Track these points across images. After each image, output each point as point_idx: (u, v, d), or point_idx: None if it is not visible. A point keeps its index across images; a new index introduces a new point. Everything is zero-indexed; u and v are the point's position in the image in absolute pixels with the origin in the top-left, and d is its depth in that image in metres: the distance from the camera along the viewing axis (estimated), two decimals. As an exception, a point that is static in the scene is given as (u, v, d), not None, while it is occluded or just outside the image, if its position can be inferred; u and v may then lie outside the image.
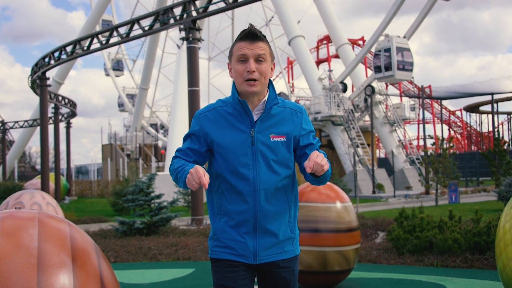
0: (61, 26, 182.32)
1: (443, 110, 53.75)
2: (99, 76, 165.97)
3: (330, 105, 30.50)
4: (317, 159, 2.18)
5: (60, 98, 30.79)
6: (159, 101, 58.67)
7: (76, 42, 20.93)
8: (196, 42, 15.23)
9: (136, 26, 17.80)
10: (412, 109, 35.12)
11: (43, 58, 23.03)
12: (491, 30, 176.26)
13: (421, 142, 50.43)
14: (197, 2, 15.84)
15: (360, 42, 47.31)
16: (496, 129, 39.64)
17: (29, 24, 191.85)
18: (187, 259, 8.15)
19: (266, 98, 2.42)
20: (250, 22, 2.45)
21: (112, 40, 19.38)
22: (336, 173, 23.06)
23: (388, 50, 28.15)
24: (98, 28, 41.22)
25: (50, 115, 31.08)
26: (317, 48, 51.54)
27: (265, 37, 2.40)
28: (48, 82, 24.02)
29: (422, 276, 6.32)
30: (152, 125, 52.67)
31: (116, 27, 18.71)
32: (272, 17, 45.37)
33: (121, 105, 56.28)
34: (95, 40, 19.90)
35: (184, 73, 22.93)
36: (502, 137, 30.34)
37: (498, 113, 46.80)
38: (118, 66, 55.67)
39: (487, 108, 49.85)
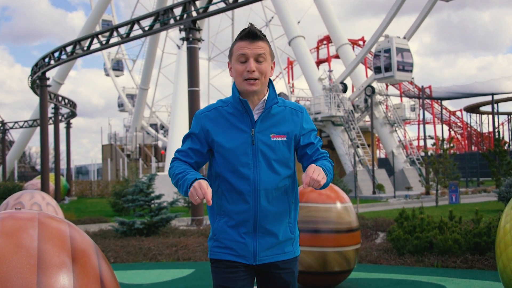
0: (61, 26, 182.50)
1: (444, 111, 53.75)
2: (99, 76, 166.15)
3: (330, 105, 30.50)
4: (313, 175, 2.18)
5: (60, 98, 30.80)
6: (159, 101, 58.76)
7: (76, 42, 20.94)
8: (196, 43, 15.23)
9: (136, 26, 17.81)
10: (412, 109, 35.12)
11: (43, 58, 23.03)
12: (492, 30, 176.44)
13: (422, 143, 50.43)
14: (197, 3, 15.84)
15: (360, 43, 47.31)
16: (496, 130, 39.63)
17: (29, 24, 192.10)
18: (187, 260, 8.15)
19: (266, 97, 2.42)
20: (250, 22, 2.44)
21: (112, 40, 19.38)
22: (336, 173, 23.05)
23: (388, 50, 28.16)
24: (98, 28, 41.23)
25: (50, 115, 31.07)
26: (317, 48, 51.54)
27: (265, 36, 2.40)
28: (48, 82, 24.02)
29: (422, 277, 6.31)
30: (152, 125, 52.68)
31: (116, 27, 18.72)
32: (272, 17, 45.37)
33: (121, 105, 56.29)
34: (95, 40, 19.90)
35: (184, 73, 22.93)
36: (503, 137, 30.34)
37: (498, 113, 46.80)
38: (118, 66, 55.68)
39: (488, 108, 49.85)
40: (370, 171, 27.65)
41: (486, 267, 6.67)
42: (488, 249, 7.06)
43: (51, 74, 29.43)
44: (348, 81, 33.25)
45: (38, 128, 30.32)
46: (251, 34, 2.36)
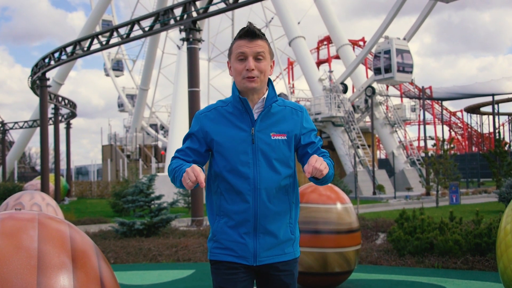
0: (61, 26, 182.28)
1: (444, 111, 53.74)
2: (99, 76, 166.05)
3: (331, 106, 30.51)
4: (316, 164, 2.17)
5: (60, 98, 30.82)
6: (159, 101, 58.75)
7: (76, 43, 20.95)
8: (196, 43, 15.24)
9: (136, 27, 17.82)
10: (413, 110, 35.14)
11: (43, 58, 23.04)
12: (492, 31, 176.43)
13: (422, 143, 50.41)
14: (197, 3, 15.85)
15: (361, 43, 47.34)
16: (497, 130, 39.58)
17: (29, 24, 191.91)
18: (187, 260, 8.14)
19: (265, 96, 2.42)
20: (249, 21, 2.43)
21: (112, 41, 19.40)
22: (336, 174, 23.06)
23: (388, 52, 28.19)
24: (98, 29, 41.24)
25: (50, 115, 31.08)
26: (318, 48, 51.56)
27: (264, 35, 2.40)
28: (48, 82, 24.03)
29: (422, 278, 6.31)
30: (152, 126, 52.65)
31: (116, 28, 18.73)
32: (272, 18, 45.38)
33: (121, 106, 56.30)
34: (95, 41, 19.92)
35: (184, 73, 22.94)
36: (503, 138, 30.28)
37: (499, 114, 46.77)
38: (118, 66, 55.69)
39: (488, 109, 49.87)
40: (371, 172, 27.64)
41: (487, 268, 6.66)
42: (489, 250, 7.05)
43: (51, 74, 29.46)
44: (348, 82, 33.26)
45: (38, 129, 30.34)
46: (250, 33, 2.36)
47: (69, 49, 21.43)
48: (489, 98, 41.87)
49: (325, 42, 49.97)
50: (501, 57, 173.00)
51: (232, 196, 2.37)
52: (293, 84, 52.24)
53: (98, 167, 48.66)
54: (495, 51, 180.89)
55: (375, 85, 30.79)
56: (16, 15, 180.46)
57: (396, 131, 32.61)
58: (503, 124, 58.38)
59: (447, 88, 42.00)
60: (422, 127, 47.00)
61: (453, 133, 59.83)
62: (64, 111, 34.74)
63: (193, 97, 14.84)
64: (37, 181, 26.64)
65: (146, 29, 17.50)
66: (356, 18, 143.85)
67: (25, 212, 2.13)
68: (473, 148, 56.63)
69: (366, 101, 31.72)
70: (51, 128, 29.02)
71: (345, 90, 32.20)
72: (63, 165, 39.90)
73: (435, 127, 56.51)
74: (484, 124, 56.82)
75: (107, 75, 55.25)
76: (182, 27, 15.61)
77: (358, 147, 29.58)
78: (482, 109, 52.25)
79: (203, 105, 16.49)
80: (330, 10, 34.24)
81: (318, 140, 2.49)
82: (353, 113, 31.10)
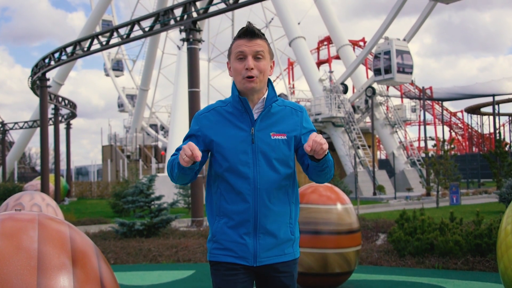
0: (61, 27, 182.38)
1: (444, 112, 53.72)
2: (99, 77, 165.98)
3: (331, 106, 30.50)
4: (316, 138, 2.17)
5: (60, 99, 30.82)
6: (159, 101, 58.73)
7: (76, 43, 20.95)
8: (196, 43, 15.24)
9: (136, 27, 17.82)
10: (413, 110, 35.13)
11: (43, 59, 23.04)
12: (492, 31, 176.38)
13: (422, 144, 50.43)
14: (197, 3, 15.85)
15: (361, 43, 47.35)
16: (497, 131, 39.59)
17: (29, 24, 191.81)
18: (187, 261, 8.14)
19: (265, 96, 2.41)
20: (249, 21, 2.43)
21: (112, 41, 19.40)
22: (336, 174, 23.02)
23: (388, 52, 28.18)
24: (98, 29, 41.25)
25: (50, 116, 31.08)
26: (318, 49, 51.59)
27: (263, 34, 2.40)
28: (48, 83, 24.04)
29: (423, 278, 6.30)
30: (152, 126, 52.66)
31: (116, 28, 18.74)
32: (272, 18, 45.40)
33: (120, 106, 56.30)
34: (95, 41, 19.92)
35: (185, 74, 22.94)
36: (504, 138, 30.24)
37: (499, 114, 46.79)
38: (118, 66, 55.70)
39: (488, 109, 49.90)
40: (371, 172, 27.64)
41: (487, 268, 6.66)
42: (489, 251, 7.04)
43: (51, 74, 29.46)
44: (348, 82, 33.26)
45: (38, 129, 30.33)
46: (249, 32, 2.35)
47: (69, 50, 21.44)
48: (490, 99, 41.86)
49: (325, 43, 50.01)
50: (501, 58, 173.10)
51: (232, 196, 2.36)
52: (293, 85, 52.26)
53: (98, 168, 48.66)
54: (496, 52, 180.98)
55: (375, 85, 30.79)
56: (16, 16, 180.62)
57: (396, 131, 32.60)
58: (503, 125, 58.45)
59: (447, 88, 42.03)
60: (422, 127, 46.96)
61: (453, 133, 59.86)
62: (64, 111, 34.74)
63: (193, 98, 14.84)
64: (37, 182, 26.64)
65: (146, 29, 17.50)
66: (356, 19, 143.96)
67: (25, 213, 2.13)
68: (474, 149, 56.63)
69: (366, 101, 31.71)
70: (51, 129, 29.03)
71: (345, 90, 32.19)
72: (63, 166, 39.90)
73: (435, 128, 56.56)
74: (485, 124, 56.90)
75: (107, 75, 55.25)
76: (182, 27, 15.61)
77: (358, 148, 29.58)
78: (483, 109, 52.26)
79: (203, 105, 16.51)
80: (331, 10, 34.24)
81: None
82: (353, 114, 31.10)
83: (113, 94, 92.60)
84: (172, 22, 16.35)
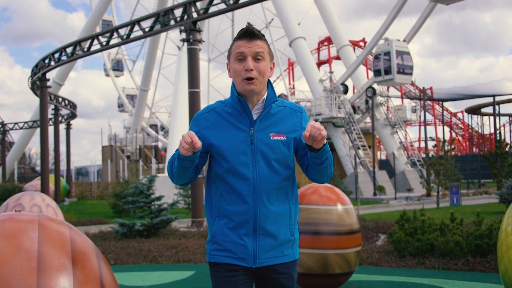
0: (61, 27, 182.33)
1: (445, 112, 53.72)
2: (99, 77, 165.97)
3: (331, 106, 30.51)
4: (315, 124, 2.17)
5: (60, 99, 30.81)
6: (159, 102, 58.75)
7: (76, 44, 20.95)
8: (196, 44, 15.24)
9: (136, 27, 17.82)
10: (414, 111, 35.14)
11: (43, 59, 23.04)
12: (493, 31, 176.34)
13: (423, 144, 50.43)
14: (197, 4, 15.84)
15: (362, 44, 47.36)
16: (497, 131, 39.58)
17: (29, 25, 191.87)
18: (188, 262, 8.14)
19: (264, 96, 2.41)
20: (249, 22, 2.42)
21: (112, 41, 19.41)
22: (337, 175, 23.03)
23: (387, 53, 28.19)
24: (98, 29, 41.25)
25: (50, 116, 31.09)
26: (318, 49, 51.62)
27: (263, 35, 2.39)
28: (48, 83, 24.04)
29: (423, 279, 6.30)
30: (152, 126, 52.67)
31: (116, 29, 18.74)
32: (272, 19, 45.42)
33: (120, 106, 56.32)
34: (96, 42, 19.92)
35: (185, 74, 22.94)
36: (504, 139, 30.25)
37: (499, 115, 46.76)
38: (118, 67, 55.72)
39: (489, 110, 49.90)
40: (371, 173, 27.64)
41: (488, 269, 6.65)
42: (490, 251, 7.04)
43: (51, 75, 29.46)
44: (349, 82, 33.25)
45: (38, 129, 30.33)
46: (249, 33, 2.34)
47: (69, 50, 21.44)
48: (490, 99, 41.85)
49: (325, 43, 50.06)
50: (502, 58, 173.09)
51: (232, 197, 2.35)
52: (293, 85, 52.26)
53: (98, 168, 48.67)
54: (496, 52, 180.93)
55: (375, 86, 30.80)
56: (16, 16, 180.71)
57: (396, 132, 32.60)
58: (504, 125, 58.44)
59: (447, 89, 42.00)
60: (422, 128, 47.01)
61: (453, 134, 59.85)
62: (64, 111, 34.74)
63: (194, 98, 14.84)
64: (37, 182, 26.64)
65: (147, 29, 17.50)
66: (356, 19, 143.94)
67: (25, 213, 2.13)
68: (474, 149, 56.61)
69: (366, 102, 31.72)
70: (51, 129, 29.04)
71: (345, 91, 32.19)
72: (63, 166, 39.90)
73: (435, 128, 56.57)
74: (485, 125, 56.93)
75: (107, 75, 55.28)
76: (182, 27, 15.61)
77: (358, 148, 29.58)
78: (483, 110, 52.25)
79: (203, 105, 16.53)
80: (331, 10, 34.25)
81: None
82: (353, 114, 31.11)
83: (113, 95, 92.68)
84: (172, 22, 16.36)
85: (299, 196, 5.46)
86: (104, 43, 19.53)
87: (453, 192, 19.93)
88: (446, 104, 52.83)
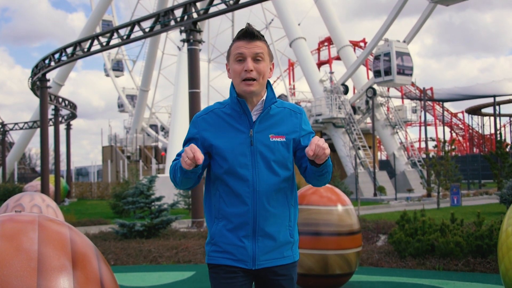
0: (61, 27, 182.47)
1: (445, 112, 53.71)
2: (99, 77, 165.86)
3: (332, 107, 30.52)
4: (319, 142, 2.15)
5: (60, 99, 30.82)
6: (159, 102, 58.77)
7: (76, 44, 20.95)
8: (196, 44, 15.24)
9: (136, 28, 17.82)
10: (414, 111, 35.15)
11: (44, 59, 23.05)
12: (493, 31, 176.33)
13: (423, 145, 50.41)
14: (198, 4, 15.84)
15: (362, 44, 47.36)
16: (498, 132, 39.57)
17: (29, 25, 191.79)
18: (188, 262, 8.13)
19: (264, 98, 2.39)
20: (248, 22, 2.41)
21: (112, 42, 19.42)
22: (337, 175, 23.03)
23: (387, 54, 28.19)
24: (98, 29, 41.25)
25: (50, 116, 31.10)
26: (318, 50, 51.63)
27: (263, 36, 2.38)
28: (48, 83, 24.04)
29: (424, 280, 6.29)
30: (152, 127, 52.68)
31: (116, 29, 18.75)
32: (272, 19, 45.41)
33: (120, 106, 56.33)
34: (96, 42, 19.92)
35: (185, 74, 22.94)
36: (504, 139, 30.30)
37: (500, 115, 46.78)
38: (118, 67, 55.73)
39: (489, 110, 49.87)
40: (371, 173, 27.64)
41: (488, 270, 6.65)
42: (490, 252, 7.03)
43: (51, 75, 29.46)
44: (349, 83, 33.26)
45: (38, 130, 30.33)
46: (248, 34, 2.33)
47: (69, 50, 21.44)
48: (491, 99, 41.84)
49: (325, 43, 50.06)
50: (502, 58, 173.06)
51: (232, 199, 2.34)
52: (293, 86, 52.27)
53: (98, 168, 48.67)
54: (497, 52, 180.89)
55: (376, 86, 30.81)
56: (16, 16, 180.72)
57: (397, 132, 32.61)
58: (504, 126, 58.42)
59: (448, 89, 42.00)
60: (423, 128, 46.96)
61: (454, 134, 59.83)
62: (64, 112, 34.74)
63: (194, 99, 14.84)
64: (37, 182, 26.64)
65: (147, 30, 17.50)
66: (357, 19, 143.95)
67: (25, 214, 2.12)
68: (474, 150, 56.60)
69: (367, 102, 31.72)
70: (51, 129, 29.04)
71: (346, 91, 32.20)
72: (63, 166, 39.88)
73: (436, 129, 56.54)
74: (485, 125, 56.90)
75: (107, 75, 55.28)
76: (182, 28, 15.61)
77: (359, 149, 29.58)
78: (483, 110, 52.24)
79: (203, 106, 16.54)
80: (331, 11, 34.26)
81: None
82: (352, 115, 31.11)
83: (113, 95, 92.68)
84: (172, 23, 16.36)
85: (300, 196, 5.45)
86: (104, 44, 19.53)
87: (454, 192, 19.92)
88: (446, 104, 52.81)
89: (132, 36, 18.39)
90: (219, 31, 54.26)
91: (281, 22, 33.83)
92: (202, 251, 8.67)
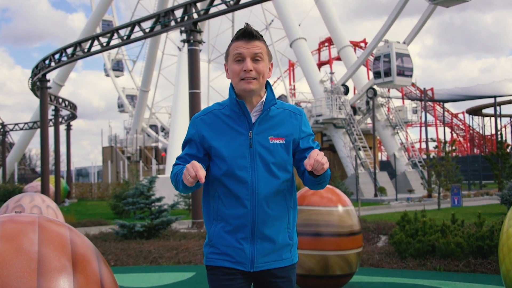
0: (61, 27, 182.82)
1: (446, 113, 53.72)
2: (99, 78, 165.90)
3: (332, 107, 30.51)
4: (318, 157, 2.13)
5: (60, 100, 30.81)
6: (159, 102, 58.78)
7: (76, 44, 20.95)
8: (197, 44, 15.24)
9: (137, 28, 17.82)
10: (414, 111, 35.15)
11: (44, 60, 23.05)
12: (494, 32, 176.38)
13: (423, 145, 50.43)
14: (198, 5, 15.84)
15: (362, 45, 47.37)
16: (499, 132, 39.57)
17: (29, 25, 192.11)
18: (188, 263, 8.13)
19: (263, 99, 2.38)
20: (247, 22, 2.40)
21: (112, 42, 19.41)
22: (337, 176, 23.04)
23: (387, 55, 28.20)
24: (98, 30, 41.27)
25: (50, 117, 31.09)
26: (319, 50, 51.63)
27: (261, 36, 2.36)
28: (49, 84, 24.04)
29: (424, 281, 6.28)
30: (152, 127, 52.68)
31: (117, 29, 18.74)
32: (272, 20, 45.42)
33: (121, 106, 56.31)
34: (96, 42, 19.92)
35: (185, 75, 22.94)
36: (505, 140, 30.31)
37: (501, 116, 46.77)
38: (118, 67, 55.72)
39: (490, 111, 49.84)
40: (372, 174, 27.63)
41: (489, 271, 6.64)
42: (491, 253, 7.03)
43: (51, 76, 29.47)
44: (349, 83, 33.26)
45: (38, 130, 30.33)
46: (247, 34, 2.32)
47: (69, 51, 21.44)
48: (491, 100, 41.85)
49: (326, 44, 50.07)
50: (503, 59, 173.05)
51: (230, 201, 2.33)
52: (294, 86, 52.27)
53: (98, 169, 48.66)
54: (497, 53, 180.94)
55: (376, 87, 30.81)
56: (16, 16, 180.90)
57: (397, 133, 32.60)
58: (505, 126, 58.40)
59: (448, 89, 42.03)
60: (423, 129, 46.99)
61: (454, 135, 59.82)
62: (64, 112, 34.73)
63: (194, 99, 14.84)
64: (37, 183, 26.62)
65: (147, 30, 17.50)
66: (357, 20, 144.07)
67: (25, 215, 2.12)
68: (475, 150, 56.58)
69: (367, 102, 31.72)
70: (51, 130, 29.04)
71: (346, 91, 32.19)
72: (63, 167, 39.86)
73: (436, 129, 56.54)
74: (486, 126, 56.89)
75: (107, 75, 55.28)
76: (182, 28, 15.61)
77: (359, 149, 29.58)
78: (484, 111, 52.22)
79: (203, 106, 16.54)
80: (332, 11, 34.25)
81: (316, 145, 2.44)
82: (353, 115, 31.11)
83: (113, 96, 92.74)
84: (172, 23, 16.35)
85: (300, 197, 5.45)
86: (104, 44, 19.53)
87: (454, 193, 19.91)
88: (447, 105, 52.81)
89: (132, 36, 18.39)
90: (219, 32, 54.27)
91: (282, 23, 33.83)
92: (202, 252, 8.66)
